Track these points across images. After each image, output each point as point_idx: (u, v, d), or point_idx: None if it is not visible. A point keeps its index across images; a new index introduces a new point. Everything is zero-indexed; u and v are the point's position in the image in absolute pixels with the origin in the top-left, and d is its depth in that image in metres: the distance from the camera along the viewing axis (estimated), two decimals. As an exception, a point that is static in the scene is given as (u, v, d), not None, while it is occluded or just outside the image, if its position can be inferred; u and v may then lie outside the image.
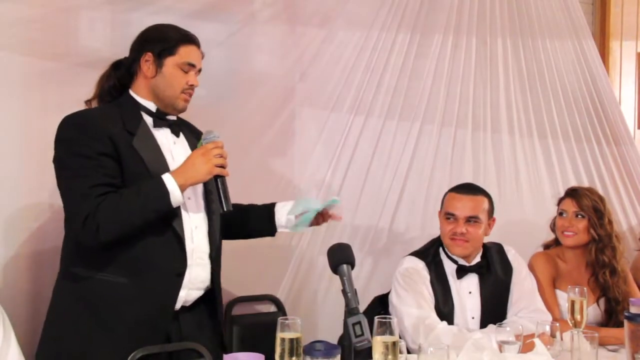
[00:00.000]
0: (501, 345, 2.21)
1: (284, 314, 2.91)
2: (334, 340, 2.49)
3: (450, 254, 2.75)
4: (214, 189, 2.26)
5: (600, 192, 3.70)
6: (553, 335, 2.26)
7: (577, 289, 2.32)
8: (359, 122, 3.43)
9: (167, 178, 2.13)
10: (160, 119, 2.30)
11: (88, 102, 2.36)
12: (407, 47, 3.54)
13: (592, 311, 2.87)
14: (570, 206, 3.01)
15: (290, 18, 3.31)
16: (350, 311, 1.76)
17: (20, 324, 2.48)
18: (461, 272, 2.73)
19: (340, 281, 1.83)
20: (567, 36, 3.88)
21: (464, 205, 2.75)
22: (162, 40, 2.27)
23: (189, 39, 2.31)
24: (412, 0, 3.54)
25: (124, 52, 2.90)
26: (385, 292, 2.89)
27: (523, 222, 3.63)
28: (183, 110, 2.33)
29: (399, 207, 3.50)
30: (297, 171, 3.30)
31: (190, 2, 3.02)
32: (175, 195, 2.12)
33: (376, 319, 1.79)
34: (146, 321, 2.16)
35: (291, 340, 1.74)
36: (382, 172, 3.49)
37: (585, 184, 3.80)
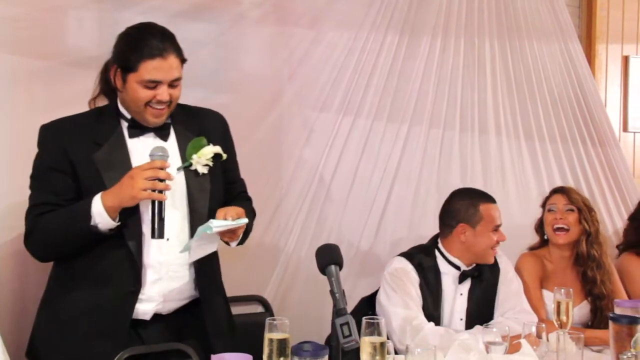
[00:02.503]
0: (488, 346, 2.22)
1: (272, 314, 2.91)
2: (321, 340, 2.50)
3: (451, 259, 2.75)
4: (194, 183, 2.16)
5: (586, 193, 3.74)
6: (539, 336, 2.27)
7: (562, 290, 2.34)
8: (347, 123, 3.43)
9: (96, 199, 2.02)
10: (135, 127, 2.18)
11: (92, 101, 2.29)
12: (395, 49, 3.54)
13: (578, 311, 2.88)
14: (560, 200, 3.04)
15: (278, 19, 3.30)
16: (338, 312, 1.76)
17: (6, 323, 2.47)
18: (463, 277, 2.74)
19: (328, 282, 1.84)
20: (554, 39, 3.91)
21: (500, 215, 2.79)
22: (124, 56, 2.12)
23: (152, 54, 2.08)
24: (401, 1, 3.55)
25: (111, 51, 2.90)
26: (372, 292, 2.89)
27: (509, 223, 3.63)
28: (156, 125, 2.18)
29: (386, 208, 3.51)
30: (285, 172, 3.30)
31: (179, 2, 3.01)
32: (100, 217, 2.01)
33: (364, 320, 1.79)
34: (103, 333, 2.12)
35: (279, 340, 1.74)
36: (370, 172, 3.49)
37: (571, 185, 3.82)
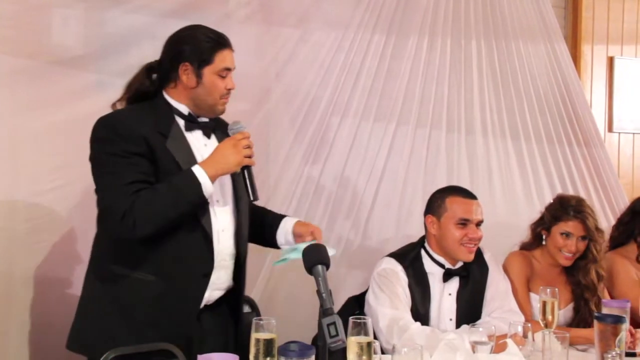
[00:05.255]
0: (474, 345, 2.23)
1: (258, 314, 2.89)
2: (308, 340, 2.50)
3: (436, 257, 2.74)
4: (240, 180, 2.28)
5: (571, 193, 3.76)
6: (525, 336, 2.29)
7: (548, 289, 2.34)
8: (334, 123, 3.44)
9: (197, 170, 2.16)
10: (191, 121, 2.31)
11: (114, 104, 2.33)
12: (382, 48, 3.55)
13: (564, 314, 2.88)
14: (578, 230, 2.87)
15: (265, 18, 3.30)
16: (324, 312, 1.76)
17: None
18: (447, 275, 2.73)
19: (315, 282, 1.83)
20: (540, 39, 3.94)
21: (476, 210, 2.70)
22: (198, 51, 2.25)
23: (222, 44, 2.29)
24: (388, 1, 3.56)
25: (97, 50, 2.89)
26: (359, 292, 2.90)
27: (495, 222, 3.66)
28: (222, 113, 2.35)
29: (373, 208, 3.51)
30: (272, 172, 3.30)
31: (165, 1, 3.00)
32: (207, 186, 2.16)
33: (351, 320, 1.79)
34: (170, 319, 2.20)
35: (266, 341, 1.74)
36: (357, 172, 3.49)
37: (557, 184, 3.85)
